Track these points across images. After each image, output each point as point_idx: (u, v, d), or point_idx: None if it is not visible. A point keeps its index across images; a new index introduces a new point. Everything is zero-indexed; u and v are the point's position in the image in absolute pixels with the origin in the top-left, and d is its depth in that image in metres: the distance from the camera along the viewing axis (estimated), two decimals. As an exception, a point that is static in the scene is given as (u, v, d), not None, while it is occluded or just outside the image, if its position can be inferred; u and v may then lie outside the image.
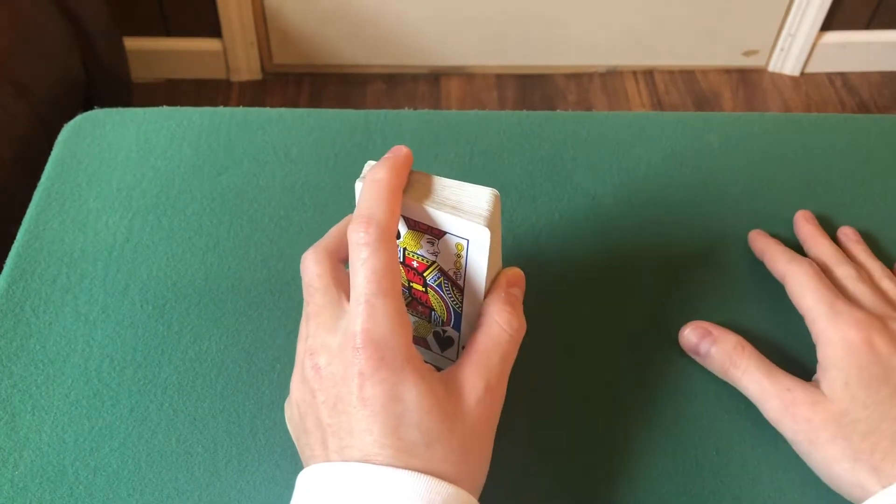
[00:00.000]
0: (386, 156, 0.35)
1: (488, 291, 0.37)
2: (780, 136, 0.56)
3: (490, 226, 0.34)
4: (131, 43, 1.54)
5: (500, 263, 0.38)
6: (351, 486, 0.32)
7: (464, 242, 0.35)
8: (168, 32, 1.63)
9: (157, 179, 0.52)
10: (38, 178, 0.52)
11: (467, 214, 0.34)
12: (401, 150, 0.35)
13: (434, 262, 0.37)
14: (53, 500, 0.39)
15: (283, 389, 0.43)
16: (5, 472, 0.40)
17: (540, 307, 0.46)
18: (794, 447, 0.40)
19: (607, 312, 0.47)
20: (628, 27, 1.67)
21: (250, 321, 0.46)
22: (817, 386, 0.40)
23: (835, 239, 0.50)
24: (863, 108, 1.70)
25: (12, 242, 0.49)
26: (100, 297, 0.46)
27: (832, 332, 0.41)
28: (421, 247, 0.37)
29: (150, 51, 1.63)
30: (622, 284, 0.48)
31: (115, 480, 0.40)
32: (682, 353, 0.45)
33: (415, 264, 0.38)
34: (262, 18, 1.62)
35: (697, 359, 0.44)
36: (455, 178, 0.36)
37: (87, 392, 0.42)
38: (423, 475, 0.32)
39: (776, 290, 0.48)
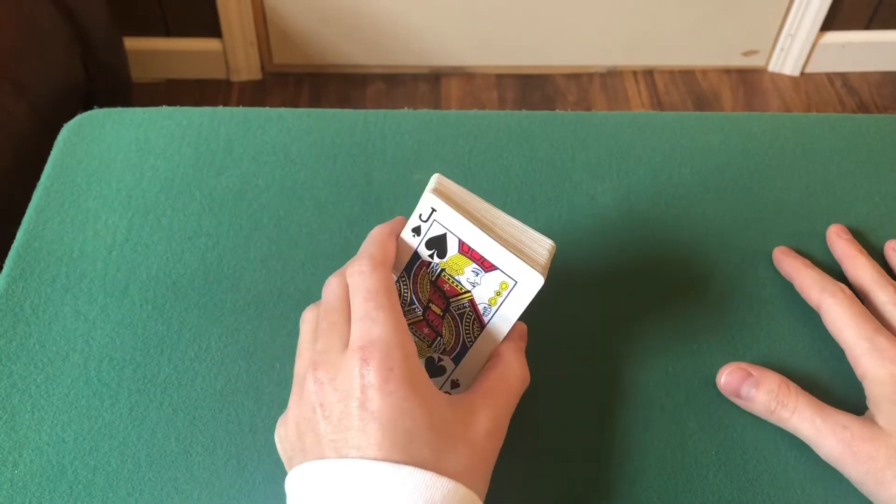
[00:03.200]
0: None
1: (507, 336, 0.38)
2: (780, 136, 0.56)
3: (544, 275, 0.35)
4: (131, 43, 1.54)
5: None
6: (348, 481, 0.32)
7: (510, 283, 0.35)
8: (168, 32, 1.63)
9: (156, 179, 0.52)
10: (37, 177, 0.52)
11: (527, 258, 0.35)
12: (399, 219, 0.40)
13: (468, 292, 0.37)
14: (53, 499, 0.39)
15: (283, 389, 0.43)
16: (5, 471, 0.40)
17: (538, 307, 0.46)
18: (858, 487, 0.39)
19: (606, 312, 0.47)
20: (628, 27, 1.67)
21: (250, 321, 0.46)
22: (873, 420, 0.40)
23: (875, 250, 0.49)
24: (863, 108, 1.70)
25: (12, 242, 0.49)
26: (99, 297, 0.46)
27: (878, 370, 0.41)
28: (462, 273, 0.37)
29: (150, 51, 1.63)
30: (621, 284, 0.48)
31: (115, 479, 0.40)
32: (681, 352, 0.45)
33: (446, 287, 0.38)
34: (262, 18, 1.62)
35: (738, 402, 0.43)
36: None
37: (87, 391, 0.42)
38: (426, 471, 0.32)
39: (776, 290, 0.48)
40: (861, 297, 0.45)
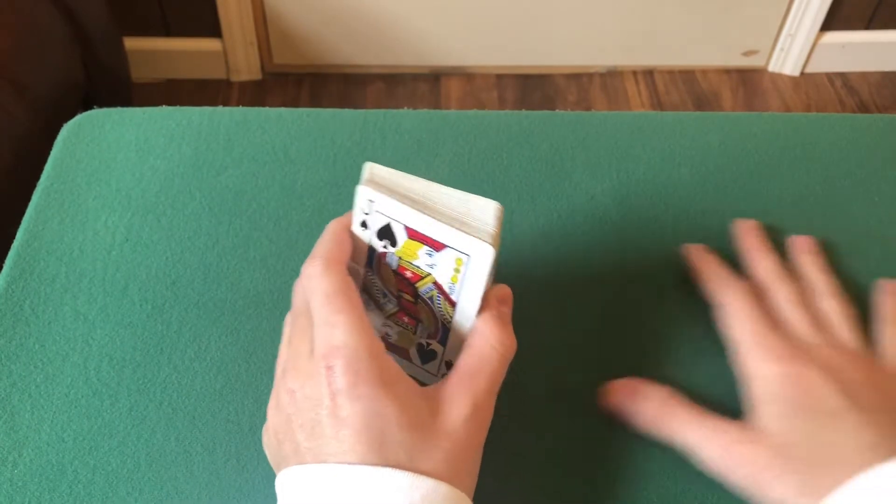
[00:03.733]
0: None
1: (480, 309, 0.36)
2: (780, 136, 0.56)
3: (494, 244, 0.34)
4: (131, 43, 1.54)
5: (493, 279, 0.37)
6: (328, 486, 0.32)
7: (464, 258, 0.34)
8: (168, 32, 1.63)
9: (156, 179, 0.52)
10: (37, 177, 0.52)
11: (472, 230, 0.34)
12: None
13: (429, 274, 0.36)
14: (52, 498, 0.39)
15: (283, 389, 0.43)
16: (4, 470, 0.40)
17: (538, 307, 0.46)
18: (741, 494, 0.38)
19: (606, 312, 0.47)
20: (628, 27, 1.67)
21: (249, 320, 0.46)
22: (753, 423, 0.39)
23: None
24: (863, 108, 1.70)
25: (12, 242, 0.49)
26: (99, 297, 0.46)
27: (760, 368, 0.40)
28: (418, 257, 0.36)
29: (150, 51, 1.63)
30: (621, 284, 0.48)
31: (114, 479, 0.40)
32: (680, 352, 0.45)
33: (408, 274, 0.37)
34: (262, 18, 1.62)
35: (625, 417, 0.41)
36: (455, 178, 0.36)
37: (86, 391, 0.42)
38: (404, 472, 0.31)
39: (775, 290, 0.48)
40: (763, 293, 0.45)
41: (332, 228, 0.37)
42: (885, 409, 0.38)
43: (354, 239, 0.38)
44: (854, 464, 0.35)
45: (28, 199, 0.51)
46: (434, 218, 0.34)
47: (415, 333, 0.39)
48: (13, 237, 0.49)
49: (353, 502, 0.31)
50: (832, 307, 0.44)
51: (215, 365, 0.44)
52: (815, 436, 0.37)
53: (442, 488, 0.32)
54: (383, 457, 0.32)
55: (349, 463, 0.31)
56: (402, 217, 0.35)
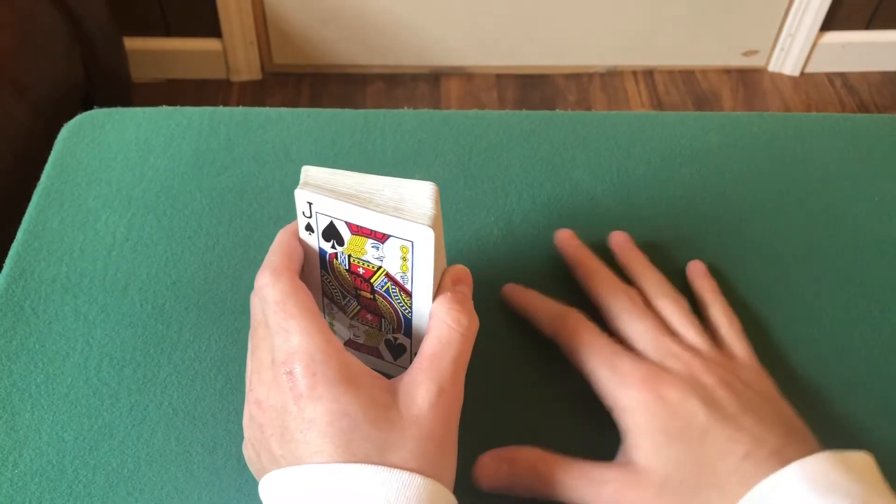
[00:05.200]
0: None
1: (436, 293, 0.36)
2: (780, 136, 0.56)
3: (434, 225, 0.34)
4: (131, 43, 1.54)
5: (444, 262, 0.37)
6: (306, 485, 0.32)
7: (408, 245, 0.34)
8: (168, 32, 1.63)
9: (156, 179, 0.52)
10: (37, 177, 0.52)
11: (410, 214, 0.34)
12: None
13: (380, 268, 0.36)
14: (53, 498, 0.39)
15: (283, 389, 0.43)
16: (5, 470, 0.40)
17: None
18: None
19: (607, 312, 0.47)
20: (628, 27, 1.67)
21: (249, 320, 0.46)
22: (630, 462, 0.38)
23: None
24: (863, 108, 1.71)
25: (12, 242, 0.49)
26: (99, 297, 0.46)
27: (622, 397, 0.39)
28: (366, 252, 0.36)
29: (150, 51, 1.63)
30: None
31: (115, 479, 0.40)
32: (681, 353, 0.45)
33: (361, 271, 0.37)
34: (262, 18, 1.62)
35: (507, 492, 0.39)
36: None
37: (87, 391, 0.43)
38: (376, 466, 0.31)
39: (776, 291, 0.48)
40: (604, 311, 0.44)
41: (280, 238, 0.37)
42: (748, 408, 0.38)
43: (304, 245, 0.38)
44: (733, 482, 0.36)
45: (28, 199, 0.51)
46: (371, 209, 0.34)
47: (380, 330, 0.39)
48: (13, 237, 0.49)
49: (330, 501, 0.31)
50: (671, 311, 0.43)
51: (216, 365, 0.44)
52: (691, 461, 0.37)
53: (416, 480, 0.31)
54: (352, 454, 0.32)
55: (321, 463, 0.32)
56: (342, 214, 0.35)
